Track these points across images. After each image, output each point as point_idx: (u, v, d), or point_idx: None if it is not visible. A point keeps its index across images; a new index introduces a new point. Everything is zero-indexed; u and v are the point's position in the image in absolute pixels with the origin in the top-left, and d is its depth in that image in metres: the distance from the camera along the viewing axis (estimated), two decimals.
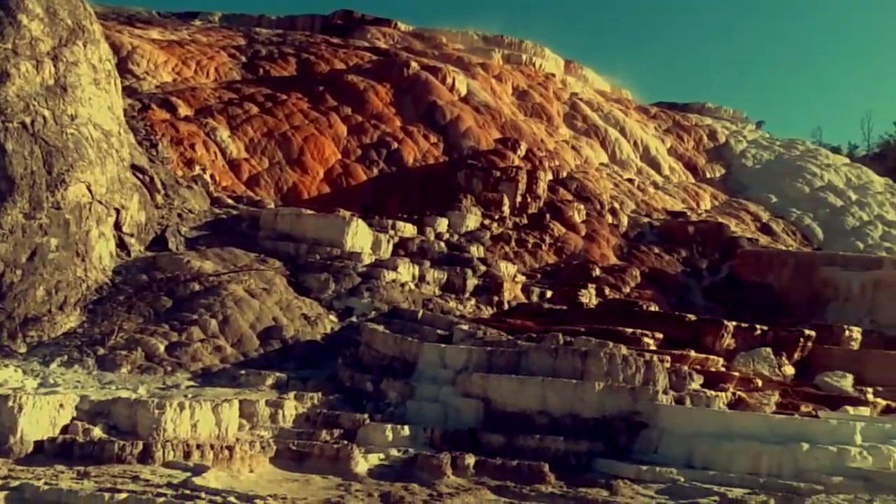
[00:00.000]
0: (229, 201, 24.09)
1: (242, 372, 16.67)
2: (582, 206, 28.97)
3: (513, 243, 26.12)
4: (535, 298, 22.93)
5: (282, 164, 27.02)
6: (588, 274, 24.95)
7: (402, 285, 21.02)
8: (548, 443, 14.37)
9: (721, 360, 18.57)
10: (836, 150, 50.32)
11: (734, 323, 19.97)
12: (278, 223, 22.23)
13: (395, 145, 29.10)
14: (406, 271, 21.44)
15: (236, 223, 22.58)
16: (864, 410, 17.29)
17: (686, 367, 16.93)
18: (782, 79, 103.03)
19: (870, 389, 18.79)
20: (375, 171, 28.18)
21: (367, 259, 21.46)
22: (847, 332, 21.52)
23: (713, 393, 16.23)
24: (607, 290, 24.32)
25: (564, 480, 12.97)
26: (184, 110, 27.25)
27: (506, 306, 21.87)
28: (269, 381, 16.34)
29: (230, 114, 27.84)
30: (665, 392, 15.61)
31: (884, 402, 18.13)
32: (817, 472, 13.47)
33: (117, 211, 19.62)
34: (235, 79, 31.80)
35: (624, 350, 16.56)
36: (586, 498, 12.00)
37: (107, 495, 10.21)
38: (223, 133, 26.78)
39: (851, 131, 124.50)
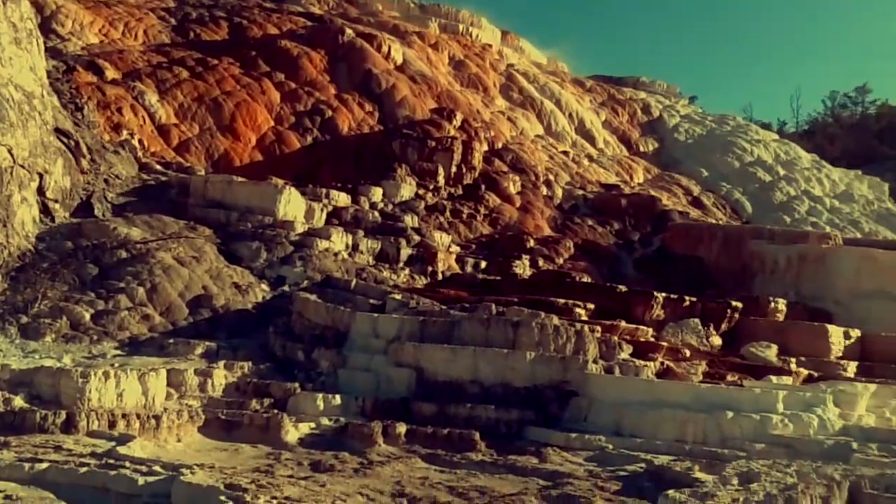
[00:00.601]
0: (158, 167, 23.54)
1: (171, 341, 16.39)
2: (517, 178, 29.04)
3: (447, 214, 26.09)
4: (468, 269, 22.97)
5: (213, 130, 26.47)
6: (522, 245, 25.06)
7: (336, 254, 20.84)
8: (479, 411, 14.44)
9: (650, 331, 18.85)
10: (765, 127, 51.41)
11: (664, 294, 20.26)
12: (209, 190, 21.81)
13: (330, 113, 28.73)
14: (339, 240, 21.26)
15: (165, 190, 22.09)
16: (788, 380, 17.73)
17: (616, 338, 17.15)
18: (715, 55, 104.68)
19: (793, 359, 19.28)
20: (309, 139, 27.80)
21: (300, 228, 21.22)
22: (773, 304, 22.01)
23: (642, 363, 16.48)
24: (541, 262, 24.46)
25: (495, 448, 13.06)
26: (111, 73, 26.46)
27: (440, 276, 21.86)
28: (199, 351, 16.10)
29: (159, 78, 27.14)
30: (595, 361, 15.79)
31: (806, 372, 18.63)
32: (741, 439, 13.78)
33: (40, 176, 19.01)
34: (165, 42, 30.97)
35: (555, 320, 16.68)
36: (516, 465, 12.08)
37: (27, 465, 9.93)
38: (152, 97, 26.10)
39: (781, 108, 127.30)
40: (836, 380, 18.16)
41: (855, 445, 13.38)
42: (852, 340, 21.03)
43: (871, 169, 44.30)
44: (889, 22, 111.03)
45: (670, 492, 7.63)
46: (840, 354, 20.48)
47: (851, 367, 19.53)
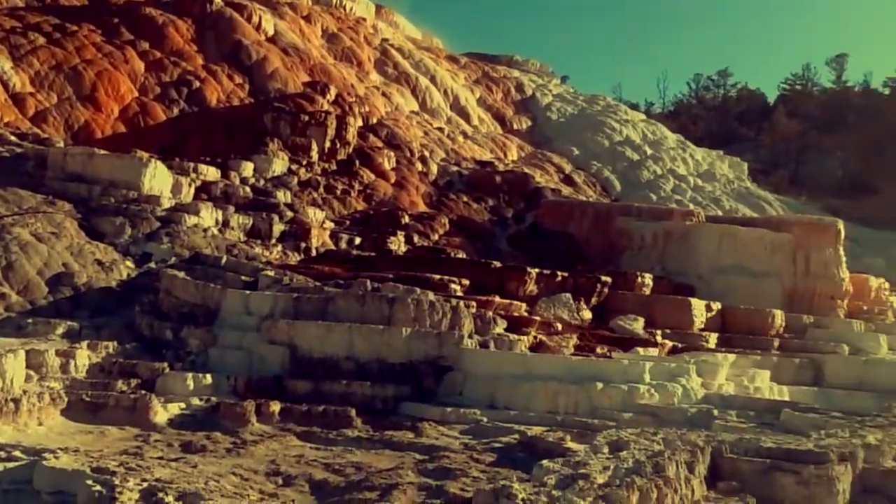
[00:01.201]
0: (13, 138, 22.22)
1: (29, 321, 15.55)
2: (392, 154, 28.90)
3: (321, 189, 25.71)
4: (343, 245, 22.73)
5: (72, 100, 25.18)
6: (397, 221, 24.98)
7: (205, 230, 20.23)
8: (354, 388, 14.34)
9: (524, 306, 19.15)
10: (634, 107, 52.94)
11: (537, 270, 20.60)
12: (68, 163, 20.76)
13: (198, 84, 27.80)
14: (209, 216, 20.63)
15: (21, 162, 20.88)
16: (654, 351, 18.37)
17: (491, 313, 17.32)
18: (586, 35, 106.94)
19: (659, 332, 19.98)
20: (176, 110, 26.83)
21: (167, 203, 20.48)
22: (640, 279, 22.71)
23: (516, 337, 16.73)
24: (416, 238, 24.46)
25: (371, 424, 12.99)
26: None
27: (313, 253, 21.54)
28: (60, 330, 15.35)
29: (13, 43, 25.58)
30: (470, 336, 15.92)
31: (670, 344, 19.34)
32: (610, 409, 14.16)
33: None
34: (18, 5, 29.25)
35: (431, 296, 16.71)
36: (392, 440, 12.06)
37: None
38: (5, 64, 24.60)
39: (649, 89, 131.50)
40: (698, 351, 18.94)
41: (716, 413, 13.95)
42: (713, 313, 21.96)
43: (732, 149, 46.36)
44: (748, 9, 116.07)
45: (544, 462, 7.74)
46: (702, 326, 21.35)
47: (713, 339, 20.40)
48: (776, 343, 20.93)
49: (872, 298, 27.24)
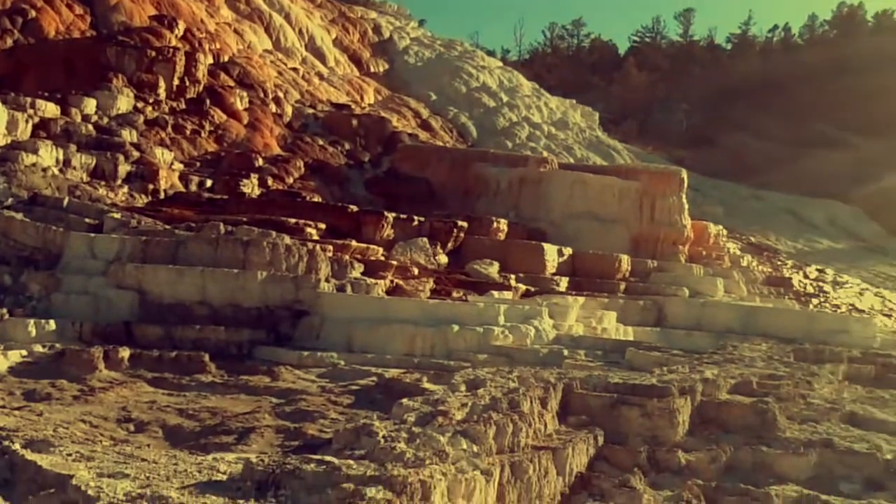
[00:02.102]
0: None
1: None
2: (244, 94, 28.05)
3: (169, 129, 24.71)
4: (193, 187, 22.00)
5: None
6: (250, 163, 24.36)
7: (44, 170, 19.12)
8: (208, 333, 14.01)
9: (381, 250, 19.15)
10: (490, 54, 53.25)
11: (394, 214, 20.62)
12: None
13: (34, 14, 26.01)
14: (48, 155, 19.50)
15: None
16: (508, 295, 18.79)
17: (348, 257, 17.24)
18: None
19: (513, 276, 20.43)
20: (9, 41, 25.05)
21: (2, 141, 19.22)
22: (495, 224, 23.10)
23: (373, 281, 16.73)
24: (270, 181, 23.94)
25: (225, 370, 12.73)
26: None
27: (162, 195, 20.75)
28: None
29: None
30: (327, 281, 15.80)
31: (524, 287, 19.82)
32: (466, 350, 14.42)
33: None
34: None
35: (287, 240, 16.45)
36: (248, 385, 11.87)
37: None
38: None
39: (505, 37, 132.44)
40: (550, 294, 19.51)
41: (566, 352, 14.44)
42: (564, 258, 22.63)
43: (584, 98, 47.46)
44: None
45: (404, 400, 7.79)
46: (554, 271, 21.98)
47: (563, 282, 21.04)
48: (622, 286, 21.82)
49: (711, 244, 28.73)
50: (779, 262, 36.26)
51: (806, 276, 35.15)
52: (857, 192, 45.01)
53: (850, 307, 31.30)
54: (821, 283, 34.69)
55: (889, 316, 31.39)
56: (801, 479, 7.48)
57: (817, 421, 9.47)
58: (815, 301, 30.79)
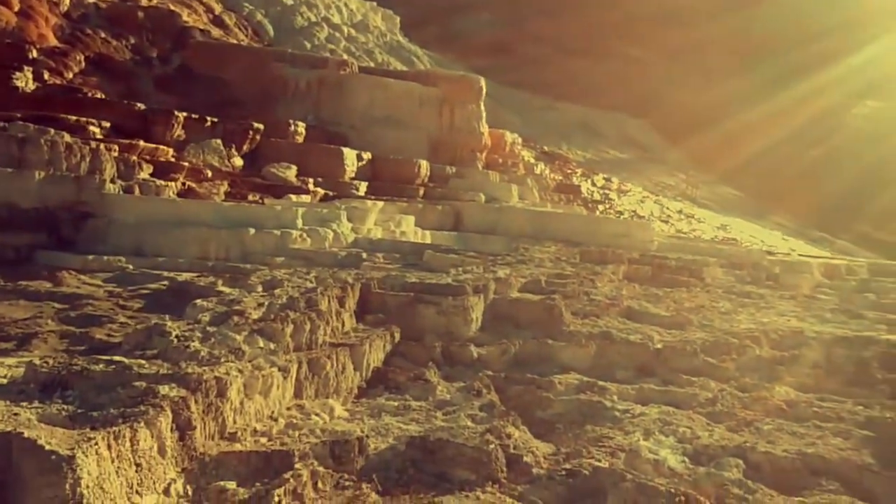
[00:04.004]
0: None
1: None
2: None
3: None
4: None
5: None
6: (23, 55, 22.35)
7: None
8: None
9: (171, 151, 18.32)
10: None
11: (185, 114, 19.71)
12: None
13: None
14: None
15: None
16: (306, 198, 18.57)
17: (135, 157, 16.38)
18: None
19: (311, 180, 20.18)
20: None
21: None
22: (293, 127, 22.61)
23: (163, 183, 16.02)
24: (47, 75, 22.13)
25: (3, 275, 11.87)
26: None
27: None
28: None
29: None
30: (113, 182, 14.97)
31: (322, 191, 19.65)
32: (262, 253, 14.18)
33: None
34: None
35: (67, 138, 15.38)
36: (28, 290, 11.14)
37: None
38: None
39: None
40: (349, 198, 19.47)
41: (365, 255, 14.51)
42: (364, 162, 22.58)
43: (385, 2, 46.77)
44: None
45: (197, 301, 7.58)
46: (353, 175, 21.91)
47: (363, 187, 21.05)
48: (421, 191, 22.11)
49: (507, 152, 29.57)
50: (569, 171, 37.94)
51: (594, 185, 37.06)
52: (645, 106, 47.57)
53: (632, 213, 33.39)
54: (607, 191, 36.70)
55: (666, 222, 33.78)
56: (582, 368, 7.95)
57: (598, 316, 10.08)
58: (601, 207, 32.59)
